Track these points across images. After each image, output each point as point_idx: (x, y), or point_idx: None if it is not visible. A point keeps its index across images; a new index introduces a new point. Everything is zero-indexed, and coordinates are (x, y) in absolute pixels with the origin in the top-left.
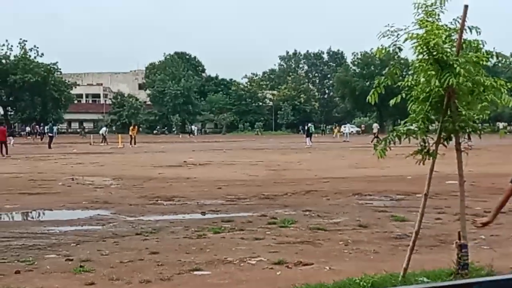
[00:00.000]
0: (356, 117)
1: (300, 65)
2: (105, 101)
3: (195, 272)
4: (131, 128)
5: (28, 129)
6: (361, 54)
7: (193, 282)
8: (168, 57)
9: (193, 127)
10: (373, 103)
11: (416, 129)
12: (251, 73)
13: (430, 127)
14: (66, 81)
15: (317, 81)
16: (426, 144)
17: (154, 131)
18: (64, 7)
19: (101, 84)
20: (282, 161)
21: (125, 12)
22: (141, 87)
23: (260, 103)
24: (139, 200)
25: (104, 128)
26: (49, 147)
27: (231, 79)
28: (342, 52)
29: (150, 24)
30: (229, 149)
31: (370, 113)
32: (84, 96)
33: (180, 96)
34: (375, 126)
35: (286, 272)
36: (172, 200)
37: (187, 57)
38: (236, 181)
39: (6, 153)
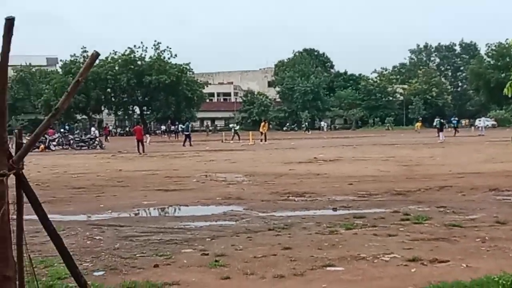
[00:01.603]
0: (492, 110)
1: (432, 58)
2: (236, 99)
3: (328, 268)
4: (262, 125)
5: (163, 127)
6: (495, 45)
7: (326, 278)
8: (297, 54)
9: (322, 123)
10: (510, 95)
11: None
12: (381, 68)
13: None
14: (198, 81)
15: (450, 74)
16: None
17: (284, 128)
18: (193, 13)
19: (232, 83)
20: (414, 157)
21: (253, 13)
22: (270, 84)
23: (390, 98)
24: (271, 196)
25: (234, 125)
26: (184, 145)
27: (360, 74)
28: (475, 43)
29: (278, 23)
30: (359, 145)
31: (506, 105)
32: (215, 95)
33: (310, 93)
34: None
35: (421, 269)
36: (303, 196)
37: (316, 53)
38: (367, 176)
39: (143, 151)
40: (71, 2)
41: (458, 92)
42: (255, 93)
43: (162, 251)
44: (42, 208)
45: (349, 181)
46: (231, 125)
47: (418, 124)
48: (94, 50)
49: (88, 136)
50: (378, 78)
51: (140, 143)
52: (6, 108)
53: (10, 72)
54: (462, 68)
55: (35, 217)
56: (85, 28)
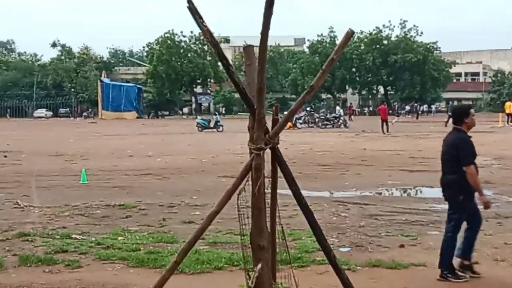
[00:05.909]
0: None
1: None
2: (485, 79)
3: None
4: (507, 105)
5: (407, 108)
6: None
7: None
8: None
9: None
10: None
11: None
12: None
13: None
14: (445, 60)
15: None
16: None
17: None
18: None
19: (481, 62)
20: None
21: None
22: None
23: None
24: None
25: None
26: (446, 125)
27: None
28: None
29: None
30: None
31: None
32: (462, 75)
33: None
34: None
35: None
36: None
37: None
38: None
39: (387, 131)
40: None
41: None
42: (506, 73)
43: (407, 231)
44: (295, 183)
45: None
46: None
47: None
48: (349, 28)
49: (333, 115)
50: None
51: (384, 123)
52: (265, 86)
53: None
54: None
55: (284, 191)
56: (322, 11)
